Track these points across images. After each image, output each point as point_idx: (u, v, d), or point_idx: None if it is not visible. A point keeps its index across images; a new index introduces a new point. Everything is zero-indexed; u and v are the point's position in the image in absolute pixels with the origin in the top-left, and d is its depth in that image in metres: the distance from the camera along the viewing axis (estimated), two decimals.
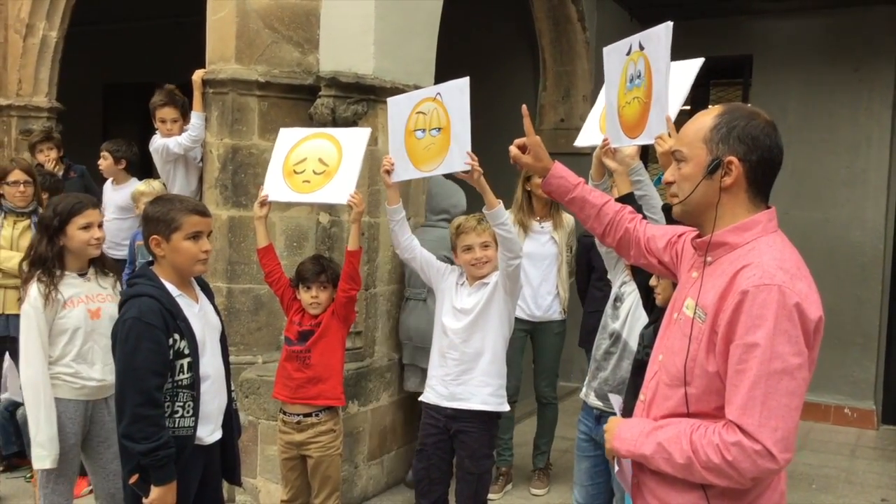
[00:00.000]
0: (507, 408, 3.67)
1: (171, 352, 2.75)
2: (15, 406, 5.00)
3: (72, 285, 3.34)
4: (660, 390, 2.01)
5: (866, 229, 6.88)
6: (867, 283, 6.87)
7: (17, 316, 4.36)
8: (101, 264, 3.47)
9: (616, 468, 2.14)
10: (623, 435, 2.00)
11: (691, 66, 3.03)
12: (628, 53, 2.81)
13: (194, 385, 2.82)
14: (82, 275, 3.39)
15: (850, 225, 6.96)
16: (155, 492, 2.72)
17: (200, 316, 2.95)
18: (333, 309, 3.75)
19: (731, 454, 1.76)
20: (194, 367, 2.82)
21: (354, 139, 3.72)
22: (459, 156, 3.31)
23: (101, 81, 9.81)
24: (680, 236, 2.27)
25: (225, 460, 3.08)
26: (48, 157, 5.74)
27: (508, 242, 3.43)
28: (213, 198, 4.79)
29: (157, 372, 2.70)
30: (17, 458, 5.19)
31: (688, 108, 7.76)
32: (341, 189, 3.60)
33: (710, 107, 7.88)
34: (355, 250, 3.66)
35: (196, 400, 2.83)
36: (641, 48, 2.73)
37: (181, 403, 2.78)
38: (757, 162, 1.91)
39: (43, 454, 3.20)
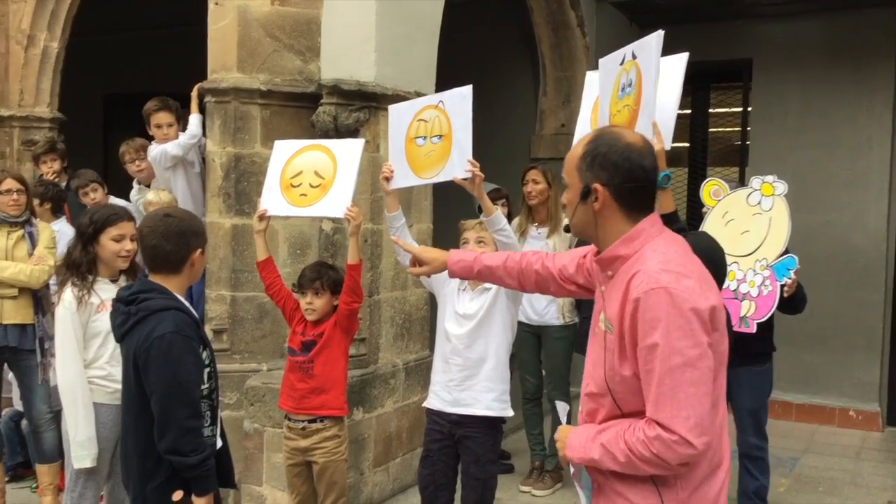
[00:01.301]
0: (510, 413, 3.67)
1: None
2: (20, 416, 5.00)
3: (104, 290, 3.44)
4: (594, 398, 2.16)
5: (868, 231, 6.88)
6: (870, 286, 6.86)
7: (15, 326, 4.46)
8: (133, 272, 3.56)
9: (572, 471, 2.33)
10: (573, 443, 2.14)
11: (678, 63, 3.04)
12: (622, 63, 2.84)
13: (213, 394, 2.83)
14: (114, 281, 3.50)
15: (852, 227, 6.96)
16: (200, 502, 2.71)
17: None
18: (336, 320, 3.75)
19: (654, 447, 1.93)
20: (213, 376, 2.83)
21: (349, 151, 3.72)
22: (460, 163, 3.33)
23: (101, 91, 9.84)
24: (585, 256, 2.41)
25: (219, 465, 3.07)
26: (51, 168, 5.75)
27: (508, 248, 3.44)
28: (217, 206, 4.81)
29: (198, 384, 2.71)
30: (23, 469, 5.20)
31: (688, 111, 7.80)
32: (338, 202, 3.61)
33: (709, 111, 7.94)
34: (355, 264, 3.67)
35: (214, 409, 2.84)
36: (634, 57, 2.76)
37: (203, 411, 2.77)
38: (620, 184, 2.04)
39: (83, 454, 3.27)
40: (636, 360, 1.97)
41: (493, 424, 3.63)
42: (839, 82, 6.98)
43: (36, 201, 5.27)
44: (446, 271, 2.76)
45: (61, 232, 5.37)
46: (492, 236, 3.53)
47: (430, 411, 3.72)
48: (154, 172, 5.32)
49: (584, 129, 3.35)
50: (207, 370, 2.79)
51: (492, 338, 3.59)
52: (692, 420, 1.90)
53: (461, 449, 3.62)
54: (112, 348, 3.37)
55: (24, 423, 4.94)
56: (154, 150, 5.09)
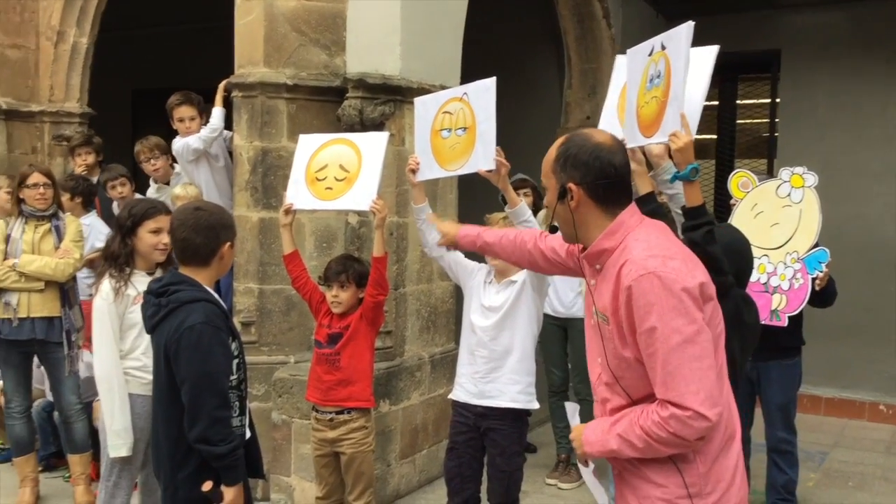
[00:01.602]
0: (536, 405, 3.67)
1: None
2: (52, 407, 5.08)
3: (141, 282, 3.45)
4: (604, 389, 2.24)
5: None
6: None
7: (43, 319, 4.50)
8: (169, 266, 3.57)
9: (589, 467, 2.38)
10: (590, 439, 2.20)
11: (707, 55, 3.01)
12: (650, 54, 2.81)
13: (241, 385, 2.86)
14: (150, 274, 3.52)
15: (883, 219, 6.87)
16: (230, 492, 2.73)
17: None
18: (362, 312, 3.78)
19: (671, 426, 1.99)
20: (242, 367, 2.87)
21: (373, 144, 3.73)
22: (485, 155, 3.33)
23: (130, 86, 9.95)
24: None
25: (248, 455, 3.11)
26: (85, 161, 5.83)
27: None
28: (244, 200, 4.85)
29: (227, 374, 2.74)
30: (55, 459, 5.28)
31: (715, 102, 7.73)
32: (363, 195, 3.63)
33: (737, 102, 7.85)
34: (381, 256, 3.69)
35: (243, 400, 2.87)
36: (663, 48, 2.73)
37: (231, 402, 2.80)
38: (593, 182, 2.14)
39: (119, 443, 3.31)
40: (636, 345, 2.05)
41: (518, 416, 3.63)
42: (869, 73, 6.89)
43: (67, 195, 5.34)
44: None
45: (91, 226, 5.45)
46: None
47: (455, 403, 3.73)
48: (169, 171, 5.40)
49: (610, 114, 3.32)
50: (236, 361, 2.83)
51: (517, 330, 3.59)
52: (702, 393, 1.97)
53: (487, 441, 3.63)
54: (147, 340, 3.37)
55: (56, 413, 5.02)
56: (177, 143, 5.15)
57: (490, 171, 3.33)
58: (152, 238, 3.47)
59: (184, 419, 2.71)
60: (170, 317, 2.74)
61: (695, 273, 2.05)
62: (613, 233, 2.14)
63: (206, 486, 2.73)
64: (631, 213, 2.17)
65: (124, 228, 3.47)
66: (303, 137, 3.96)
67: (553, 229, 2.35)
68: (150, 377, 3.28)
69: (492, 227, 3.57)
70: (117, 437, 3.33)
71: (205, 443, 2.67)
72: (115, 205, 5.63)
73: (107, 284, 3.41)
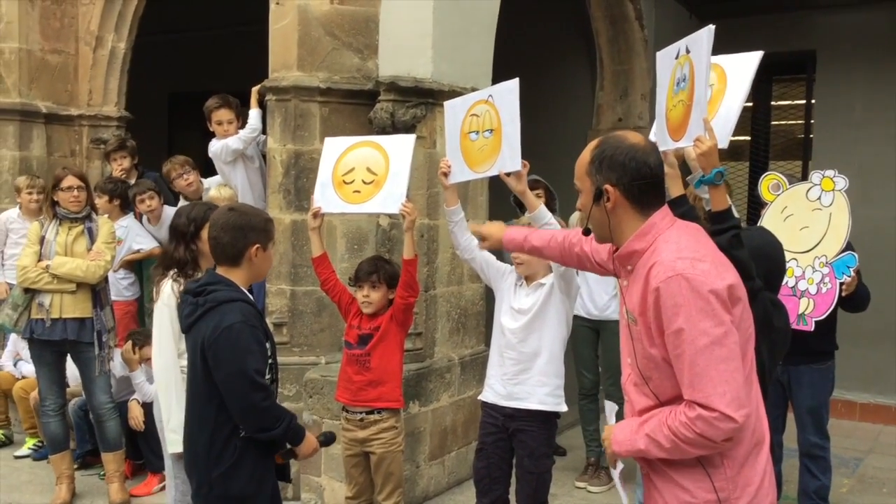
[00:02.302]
0: (564, 408, 3.67)
1: None
2: (88, 406, 5.17)
3: None
4: (633, 389, 2.28)
5: None
6: None
7: (74, 320, 4.57)
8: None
9: (618, 468, 2.39)
10: (618, 438, 2.23)
11: (750, 60, 3.00)
12: (676, 57, 2.81)
13: (273, 385, 2.91)
14: None
15: None
16: (302, 448, 2.92)
17: None
18: (392, 314, 3.80)
19: (698, 427, 2.00)
20: (274, 368, 2.92)
21: (400, 147, 3.75)
22: (511, 157, 3.34)
23: (166, 90, 10.09)
24: None
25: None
26: (120, 165, 5.93)
27: None
28: (277, 202, 4.91)
29: (263, 373, 2.79)
30: (91, 457, 5.37)
31: (750, 104, 7.66)
32: (392, 198, 3.65)
33: (771, 104, 7.76)
34: (411, 258, 3.71)
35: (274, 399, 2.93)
36: (688, 52, 2.73)
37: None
38: (629, 183, 2.16)
39: (175, 438, 3.33)
40: (664, 345, 2.07)
41: (546, 419, 3.63)
42: None
43: (105, 198, 5.45)
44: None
45: (129, 228, 5.56)
46: None
47: (484, 404, 3.74)
48: (200, 187, 5.49)
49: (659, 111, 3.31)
50: (270, 362, 2.87)
51: (546, 332, 3.60)
52: (728, 395, 1.98)
53: (515, 443, 3.64)
54: None
55: (91, 413, 5.11)
56: (215, 144, 5.23)
57: (509, 175, 3.35)
58: None
59: (218, 417, 2.76)
60: (207, 316, 2.78)
61: (724, 275, 2.06)
62: (645, 234, 2.16)
63: (277, 459, 2.91)
64: (663, 214, 2.19)
65: (188, 235, 3.51)
66: (328, 140, 3.99)
67: (587, 231, 2.37)
68: None
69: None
70: (174, 433, 3.35)
71: (264, 431, 2.77)
72: (144, 218, 5.73)
73: (168, 288, 3.46)
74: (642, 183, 2.16)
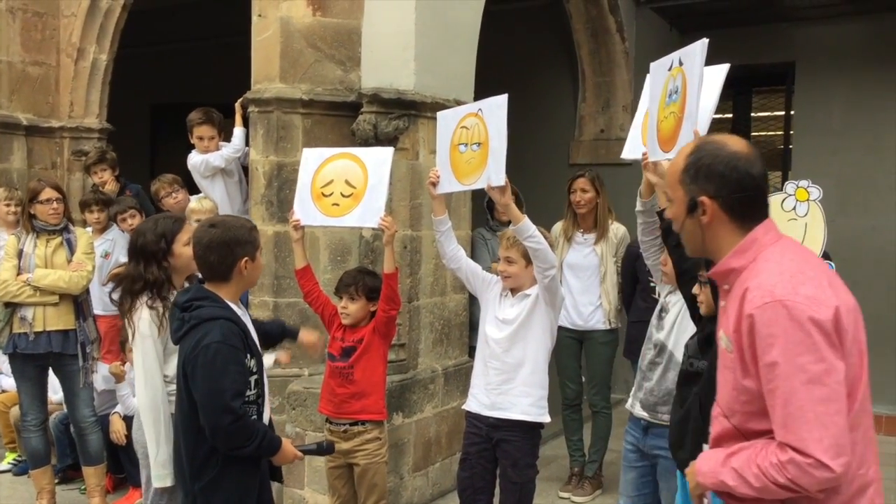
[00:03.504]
0: (547, 419, 3.68)
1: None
2: (68, 420, 5.13)
3: None
4: (718, 421, 2.05)
5: None
6: None
7: (58, 332, 4.52)
8: (190, 279, 3.49)
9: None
10: (702, 469, 2.01)
11: (718, 73, 3.04)
12: (670, 69, 2.84)
13: (259, 400, 2.90)
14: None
15: None
16: (278, 458, 2.95)
17: (250, 327, 3.02)
18: (374, 326, 3.80)
19: (789, 472, 1.79)
20: (260, 383, 2.90)
21: (379, 159, 3.72)
22: (496, 171, 3.37)
23: (148, 102, 10.07)
24: None
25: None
26: (101, 178, 5.90)
27: (539, 254, 3.44)
28: (259, 214, 4.90)
29: (240, 392, 2.77)
30: (72, 471, 5.32)
31: (730, 115, 7.73)
32: (370, 212, 3.64)
33: (751, 115, 7.83)
34: (392, 272, 3.71)
35: (260, 415, 2.92)
36: (681, 64, 2.76)
37: (250, 417, 2.84)
38: (729, 195, 1.96)
39: (164, 473, 3.26)
40: (759, 377, 1.86)
41: (530, 429, 3.64)
42: (885, 85, 6.86)
43: (96, 209, 5.42)
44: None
45: (115, 240, 5.53)
46: (520, 250, 3.54)
47: (468, 414, 3.75)
48: (186, 204, 5.46)
49: (637, 122, 3.34)
50: (255, 378, 2.86)
51: (530, 343, 3.61)
52: (826, 441, 1.76)
53: (499, 452, 3.64)
54: None
55: (72, 427, 5.07)
56: (194, 158, 5.23)
57: (493, 189, 3.37)
58: (188, 249, 3.30)
59: (201, 432, 2.76)
60: (190, 333, 2.79)
61: (829, 301, 1.83)
62: (744, 251, 1.96)
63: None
64: (766, 229, 1.98)
65: (159, 252, 3.31)
66: (307, 151, 3.96)
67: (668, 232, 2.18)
68: None
69: (506, 265, 3.62)
70: (162, 468, 3.27)
71: (235, 450, 2.78)
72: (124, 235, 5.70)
73: (146, 317, 3.26)
74: (744, 196, 1.96)
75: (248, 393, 2.83)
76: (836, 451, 1.76)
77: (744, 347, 1.88)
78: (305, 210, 3.79)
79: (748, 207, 1.98)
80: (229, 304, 2.88)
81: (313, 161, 3.87)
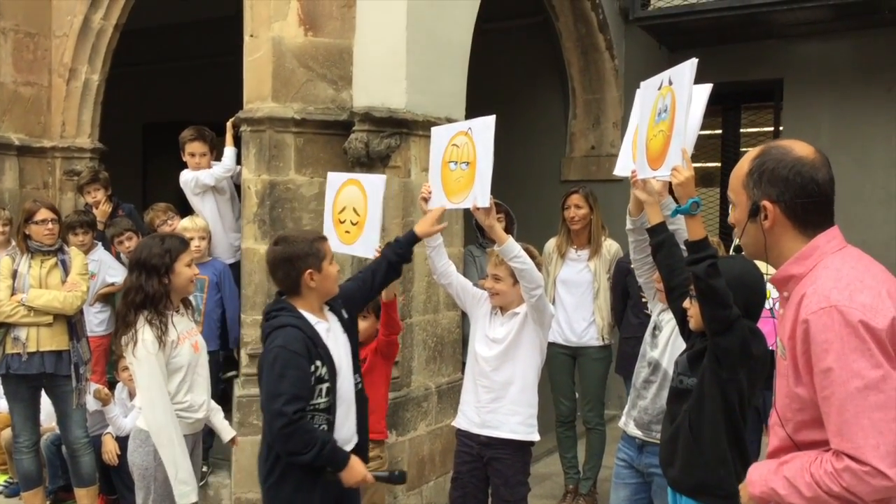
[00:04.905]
0: (536, 437, 3.67)
1: (313, 377, 2.88)
2: (60, 441, 5.09)
3: (178, 322, 3.41)
4: (776, 430, 2.03)
5: None
6: None
7: (52, 352, 4.51)
8: (185, 300, 3.56)
9: None
10: (753, 478, 2.00)
11: (702, 91, 3.07)
12: (659, 88, 2.87)
13: (331, 409, 2.95)
14: (178, 312, 3.47)
15: (889, 246, 6.84)
16: (345, 474, 2.93)
17: (332, 338, 3.05)
18: (377, 347, 3.82)
19: (844, 480, 1.77)
20: (332, 391, 2.95)
21: (374, 187, 3.75)
22: (482, 192, 3.38)
23: (140, 121, 10.08)
24: None
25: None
26: (94, 198, 5.90)
27: (525, 274, 3.44)
28: (252, 232, 4.90)
29: (299, 396, 2.83)
30: (64, 492, 5.27)
31: (719, 132, 7.78)
32: (368, 242, 3.69)
33: (740, 131, 7.88)
34: (389, 301, 3.73)
35: (332, 424, 2.96)
36: (670, 83, 2.79)
37: (316, 426, 2.90)
38: (792, 200, 1.95)
39: (187, 490, 3.28)
40: (811, 385, 1.85)
41: (520, 447, 3.64)
42: (872, 100, 6.92)
43: (82, 230, 5.42)
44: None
45: (101, 261, 5.51)
46: (507, 268, 3.53)
47: (459, 432, 3.74)
48: None
49: (628, 139, 3.36)
50: (326, 385, 2.92)
51: (519, 361, 3.61)
52: (883, 448, 1.73)
53: (490, 471, 3.64)
54: (191, 378, 3.41)
55: (64, 448, 5.03)
56: (186, 175, 5.25)
57: (479, 209, 3.39)
58: (189, 271, 3.42)
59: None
60: (267, 339, 2.95)
61: (887, 312, 1.80)
62: (805, 258, 1.95)
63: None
64: (829, 237, 1.97)
65: (161, 268, 3.32)
66: (331, 175, 4.01)
67: (737, 249, 2.17)
68: (195, 416, 3.42)
69: (494, 282, 3.62)
70: (184, 485, 3.27)
71: (292, 455, 2.85)
72: (122, 256, 5.70)
73: (150, 335, 3.26)
74: (807, 202, 1.94)
75: (318, 401, 2.88)
76: (893, 459, 1.73)
77: (797, 354, 1.87)
78: (330, 235, 3.79)
79: (811, 213, 1.96)
80: (304, 313, 2.97)
81: (334, 184, 3.91)
